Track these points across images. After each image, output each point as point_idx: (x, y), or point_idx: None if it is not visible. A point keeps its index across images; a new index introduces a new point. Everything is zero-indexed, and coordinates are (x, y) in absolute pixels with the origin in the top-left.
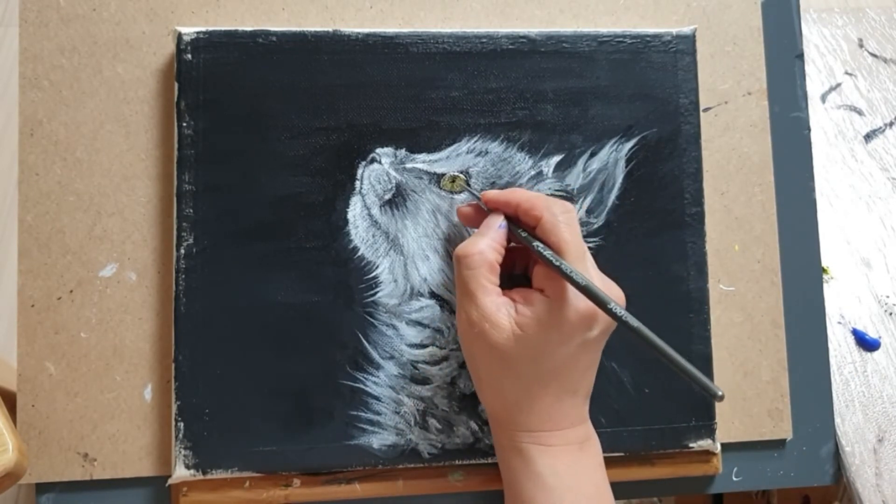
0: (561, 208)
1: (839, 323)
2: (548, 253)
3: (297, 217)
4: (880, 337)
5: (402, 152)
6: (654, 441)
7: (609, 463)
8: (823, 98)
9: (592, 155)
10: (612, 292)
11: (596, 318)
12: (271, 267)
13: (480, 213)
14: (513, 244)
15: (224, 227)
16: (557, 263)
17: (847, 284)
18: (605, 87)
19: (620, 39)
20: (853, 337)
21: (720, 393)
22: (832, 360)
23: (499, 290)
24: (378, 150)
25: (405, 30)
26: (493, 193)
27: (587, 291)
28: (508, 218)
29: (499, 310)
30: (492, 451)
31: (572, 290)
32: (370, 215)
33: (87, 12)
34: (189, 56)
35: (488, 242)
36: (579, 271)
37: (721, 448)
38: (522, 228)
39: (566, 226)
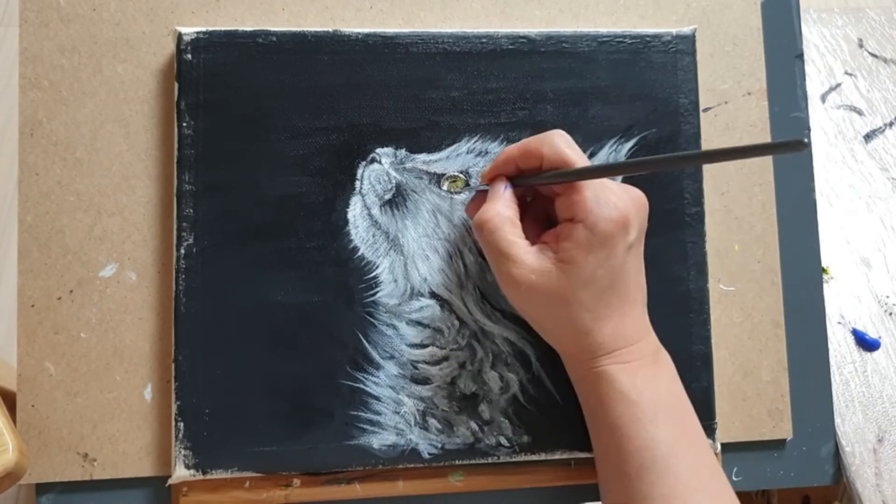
0: (556, 135)
1: (839, 323)
2: (553, 173)
3: (297, 217)
4: (880, 337)
5: (402, 152)
6: None
7: None
8: (823, 98)
9: (592, 155)
10: (633, 194)
11: (629, 219)
12: (271, 267)
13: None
14: (530, 198)
15: (224, 227)
16: (565, 172)
17: (847, 284)
18: (605, 88)
19: (620, 39)
20: (853, 337)
21: (805, 139)
22: (832, 360)
23: (527, 241)
24: (378, 150)
25: (405, 30)
26: (487, 168)
27: (603, 169)
28: (512, 179)
29: (537, 257)
30: (492, 452)
31: (598, 204)
32: (370, 215)
33: (87, 12)
34: (189, 56)
35: (500, 203)
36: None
37: (721, 448)
38: (526, 176)
39: (567, 146)
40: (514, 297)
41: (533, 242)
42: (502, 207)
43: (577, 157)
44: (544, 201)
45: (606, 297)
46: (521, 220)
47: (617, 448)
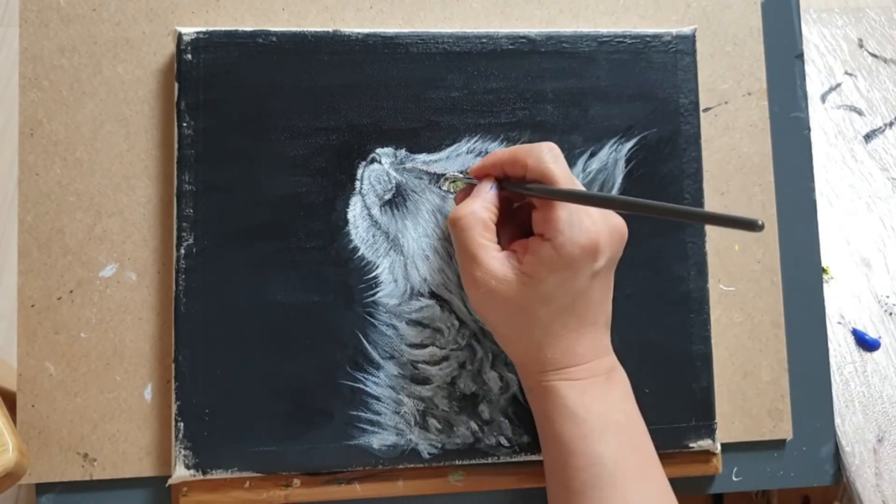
0: (544, 147)
1: (839, 323)
2: (534, 186)
3: (297, 217)
4: (880, 337)
5: (402, 152)
6: (655, 441)
7: None
8: (823, 98)
9: (592, 155)
10: (611, 222)
11: (599, 247)
12: (271, 267)
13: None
14: (516, 204)
15: (224, 227)
16: (545, 189)
17: (847, 284)
18: (605, 88)
19: (620, 39)
20: (853, 337)
21: (760, 222)
22: (832, 360)
23: (497, 246)
24: (378, 150)
25: (405, 30)
26: (476, 164)
27: (578, 196)
28: (500, 180)
29: (502, 264)
30: (492, 452)
31: (570, 227)
32: (370, 215)
33: (87, 12)
34: (189, 56)
35: (479, 203)
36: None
37: (721, 448)
38: (512, 182)
39: (552, 161)
40: (474, 298)
41: (505, 248)
42: (479, 208)
43: (561, 175)
44: (528, 210)
45: (564, 317)
46: (503, 223)
47: (563, 464)
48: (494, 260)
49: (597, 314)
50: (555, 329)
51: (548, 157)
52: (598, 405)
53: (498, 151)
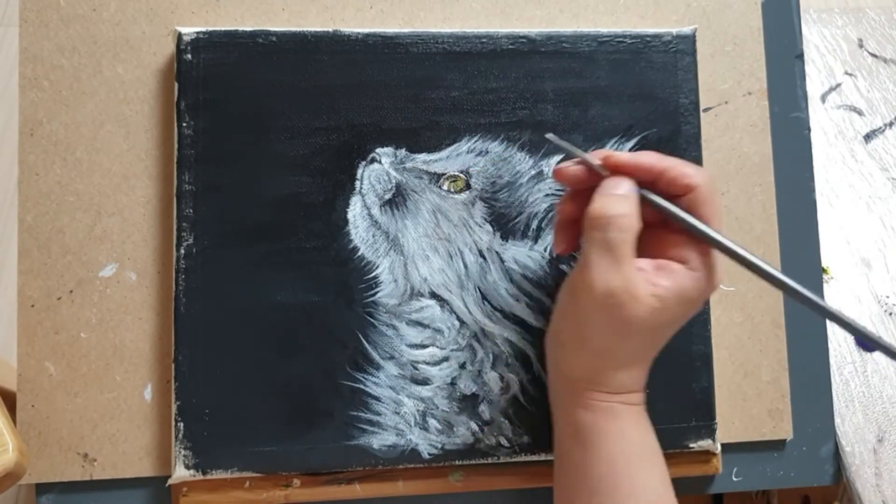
0: (712, 178)
1: None
2: (708, 229)
3: (297, 217)
4: (880, 337)
5: (403, 152)
6: None
7: None
8: (823, 98)
9: None
10: None
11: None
12: (271, 267)
13: (592, 175)
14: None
15: (224, 227)
16: (726, 243)
17: (847, 284)
18: (605, 88)
19: (620, 39)
20: (853, 337)
21: None
22: (832, 360)
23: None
24: (378, 150)
25: (405, 30)
26: (622, 157)
27: (774, 279)
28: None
29: (640, 281)
30: (492, 452)
31: (717, 270)
32: (370, 215)
33: (87, 12)
34: (189, 56)
35: (632, 206)
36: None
37: (721, 448)
38: (660, 195)
39: (718, 199)
40: (591, 305)
41: None
42: (634, 211)
43: (719, 214)
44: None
45: (659, 346)
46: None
47: (610, 486)
48: (637, 276)
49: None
50: (645, 355)
51: (715, 193)
52: (649, 433)
53: (653, 155)
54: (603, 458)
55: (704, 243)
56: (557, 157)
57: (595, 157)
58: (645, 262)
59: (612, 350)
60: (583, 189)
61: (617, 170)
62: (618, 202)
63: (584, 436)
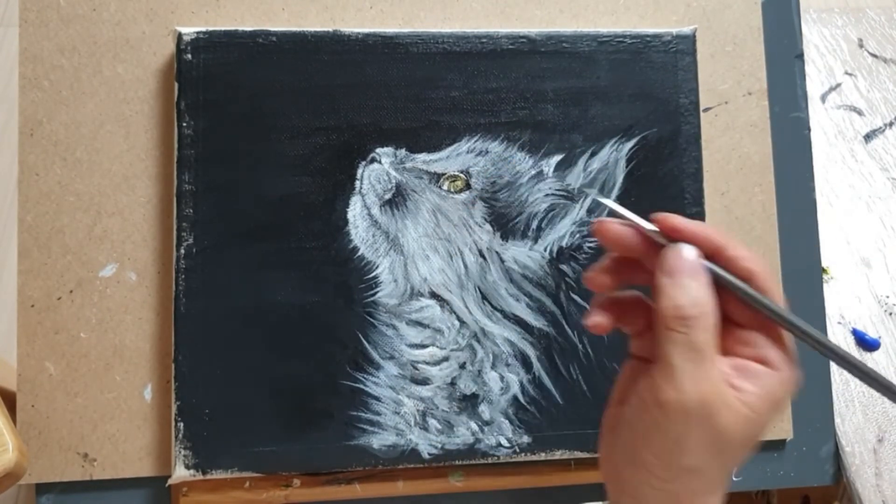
0: (766, 263)
1: (839, 323)
2: (807, 326)
3: (297, 217)
4: (880, 337)
5: (402, 152)
6: None
7: None
8: (823, 98)
9: (593, 155)
10: None
11: None
12: (271, 267)
13: (646, 240)
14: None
15: (224, 227)
16: (817, 337)
17: (847, 284)
18: (606, 87)
19: (620, 39)
20: (853, 337)
21: None
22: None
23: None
24: (378, 150)
25: (405, 30)
26: (680, 221)
27: (872, 381)
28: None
29: (727, 386)
30: (492, 452)
31: (794, 364)
32: (370, 215)
33: (87, 12)
34: (189, 56)
35: (707, 290)
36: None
37: None
38: (732, 274)
39: (778, 287)
40: (677, 417)
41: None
42: (710, 299)
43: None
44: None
45: (738, 464)
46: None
47: None
48: (723, 381)
49: None
50: (728, 476)
51: (774, 280)
52: None
53: (708, 228)
54: None
55: (778, 337)
56: (558, 157)
57: (642, 218)
58: (724, 363)
59: (702, 470)
60: (625, 256)
61: (674, 235)
62: (690, 291)
63: None
